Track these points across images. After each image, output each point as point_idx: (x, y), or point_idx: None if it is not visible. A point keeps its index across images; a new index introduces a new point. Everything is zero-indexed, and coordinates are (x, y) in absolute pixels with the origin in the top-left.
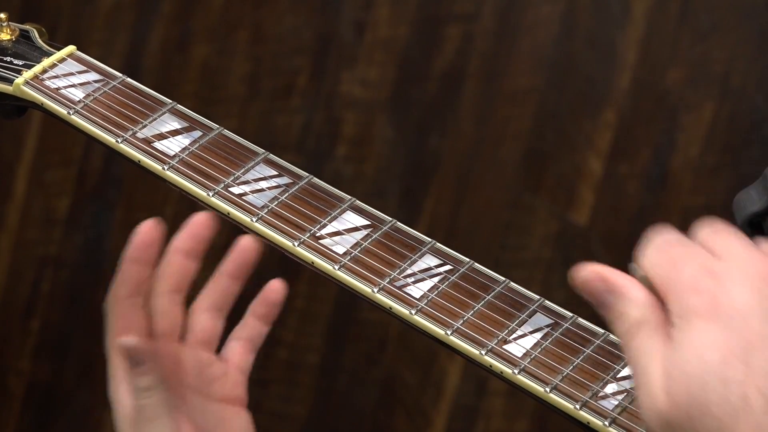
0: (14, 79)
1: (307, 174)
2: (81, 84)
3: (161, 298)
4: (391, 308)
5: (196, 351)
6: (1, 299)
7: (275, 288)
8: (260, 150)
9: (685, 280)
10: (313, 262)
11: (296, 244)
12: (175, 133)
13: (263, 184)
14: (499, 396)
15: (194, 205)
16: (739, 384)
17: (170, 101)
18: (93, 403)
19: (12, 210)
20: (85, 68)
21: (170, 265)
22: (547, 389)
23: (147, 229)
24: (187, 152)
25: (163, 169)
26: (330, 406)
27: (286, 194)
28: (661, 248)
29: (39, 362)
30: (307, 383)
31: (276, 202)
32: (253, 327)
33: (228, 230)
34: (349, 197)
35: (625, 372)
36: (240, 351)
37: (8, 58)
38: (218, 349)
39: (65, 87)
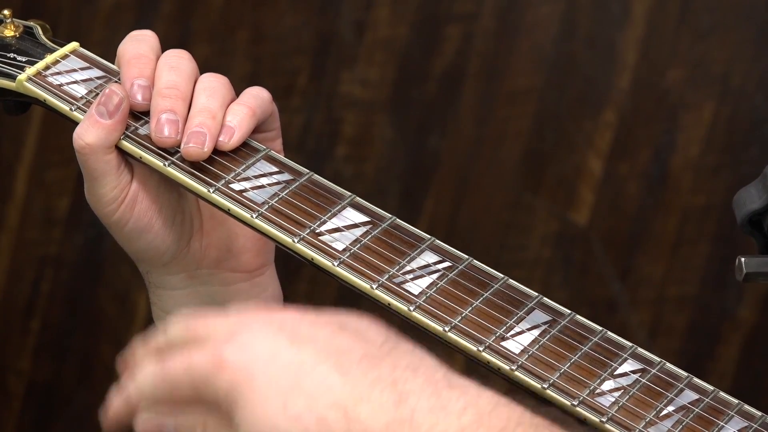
0: (17, 76)
1: (308, 171)
2: (84, 80)
3: None
4: (389, 305)
5: None
6: (1, 299)
7: None
8: (261, 146)
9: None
10: (312, 259)
11: (296, 240)
12: None
13: (264, 181)
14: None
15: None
16: (308, 413)
17: None
18: (93, 403)
19: (12, 210)
20: (88, 65)
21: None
22: (545, 386)
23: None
24: None
25: (164, 165)
26: None
27: (287, 191)
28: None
29: (39, 362)
30: None
31: (276, 199)
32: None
33: None
34: (349, 194)
35: (622, 369)
36: None
37: (11, 55)
38: None
39: (68, 83)
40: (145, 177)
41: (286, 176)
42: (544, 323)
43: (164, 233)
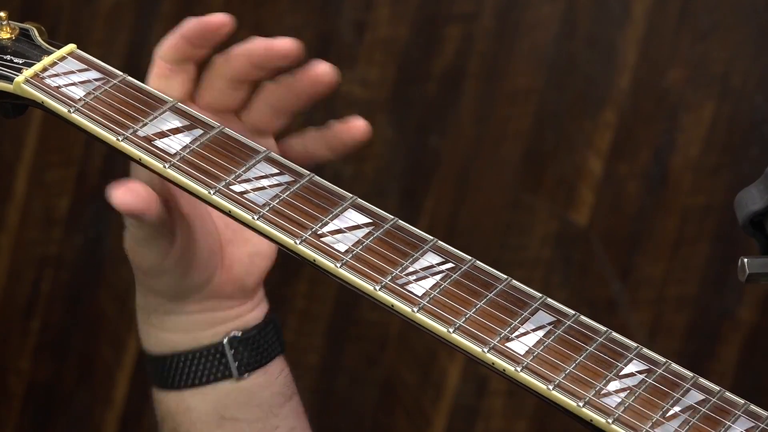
0: (14, 78)
1: (309, 172)
2: (81, 82)
3: (216, 77)
4: (393, 306)
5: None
6: (1, 299)
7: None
8: (261, 148)
9: None
10: (314, 260)
11: (298, 241)
12: (176, 131)
13: (265, 182)
14: (499, 396)
15: None
16: None
17: (171, 99)
18: (93, 403)
19: (12, 210)
20: (85, 66)
21: (247, 48)
22: (550, 387)
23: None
24: (188, 150)
25: (164, 167)
26: (330, 406)
27: (288, 192)
28: None
29: (39, 362)
30: (307, 383)
31: (277, 200)
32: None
33: None
34: (351, 195)
35: (628, 369)
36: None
37: (8, 57)
38: None
39: (66, 85)
40: (188, 234)
41: (287, 177)
42: (549, 324)
43: (197, 273)
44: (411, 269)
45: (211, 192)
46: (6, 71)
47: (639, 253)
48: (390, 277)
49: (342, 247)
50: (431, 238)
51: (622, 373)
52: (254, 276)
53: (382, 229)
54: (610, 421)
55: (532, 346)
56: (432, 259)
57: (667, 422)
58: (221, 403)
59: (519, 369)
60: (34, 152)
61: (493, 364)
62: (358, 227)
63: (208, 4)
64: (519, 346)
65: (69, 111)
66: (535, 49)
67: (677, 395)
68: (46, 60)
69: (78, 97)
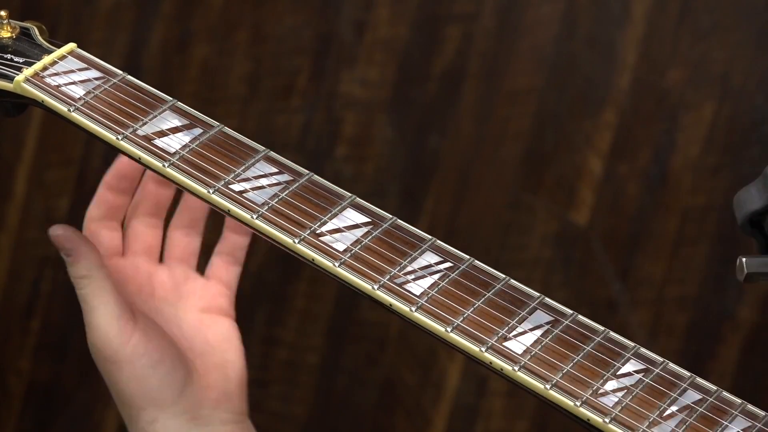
0: (15, 77)
1: (308, 171)
2: (81, 81)
3: (134, 221)
4: (391, 305)
5: (172, 267)
6: (1, 299)
7: None
8: (261, 147)
9: None
10: (313, 259)
11: (297, 241)
12: (175, 130)
13: (264, 182)
14: (499, 396)
15: None
16: None
17: (171, 98)
18: (93, 403)
19: (12, 210)
20: (85, 66)
21: (145, 191)
22: (548, 386)
23: (125, 161)
24: (188, 149)
25: (164, 166)
26: (330, 406)
27: (287, 191)
28: None
29: (39, 362)
30: (307, 383)
31: (276, 200)
32: (232, 240)
33: None
34: (350, 194)
35: (625, 369)
36: (222, 265)
37: (9, 56)
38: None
39: (66, 84)
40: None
41: (285, 177)
42: (547, 323)
43: (174, 367)
44: (409, 268)
45: (210, 191)
46: (6, 70)
47: (639, 253)
48: (388, 277)
49: (341, 246)
50: (430, 237)
51: (619, 372)
52: (233, 382)
53: (380, 229)
54: (607, 420)
55: (530, 345)
56: (430, 258)
57: (664, 422)
58: None
59: (516, 368)
60: (34, 152)
61: (490, 363)
62: (356, 226)
63: (208, 4)
64: (517, 345)
65: (69, 110)
66: (535, 49)
67: (674, 395)
68: (47, 59)
69: (78, 96)
